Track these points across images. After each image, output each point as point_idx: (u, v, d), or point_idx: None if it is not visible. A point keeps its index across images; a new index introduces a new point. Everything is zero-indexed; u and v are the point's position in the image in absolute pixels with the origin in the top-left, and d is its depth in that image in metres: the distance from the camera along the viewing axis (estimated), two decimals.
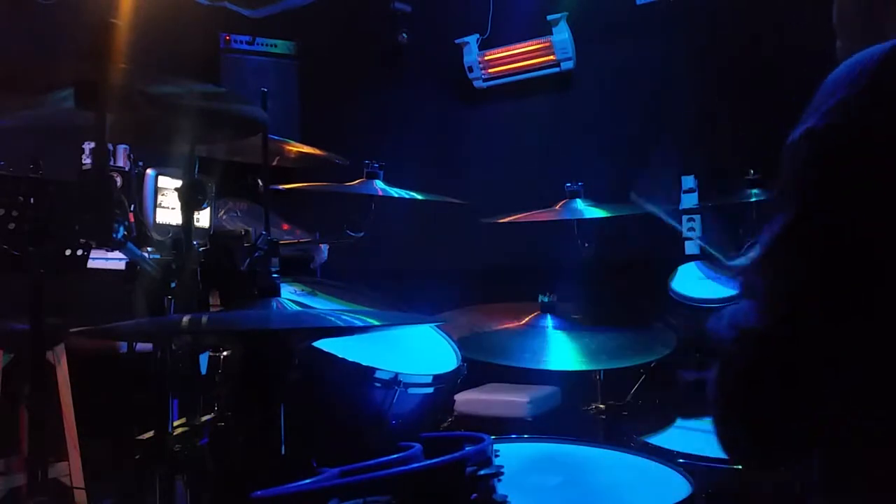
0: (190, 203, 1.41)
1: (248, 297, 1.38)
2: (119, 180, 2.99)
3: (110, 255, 2.54)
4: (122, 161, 3.04)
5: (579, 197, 2.56)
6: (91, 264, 2.41)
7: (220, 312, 1.40)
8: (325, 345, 1.75)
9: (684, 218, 3.26)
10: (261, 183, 1.72)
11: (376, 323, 1.39)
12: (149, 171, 3.03)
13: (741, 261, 1.51)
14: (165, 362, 1.39)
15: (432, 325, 2.22)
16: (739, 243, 2.73)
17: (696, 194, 3.21)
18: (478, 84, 3.87)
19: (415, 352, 2.12)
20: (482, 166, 3.84)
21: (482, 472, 1.06)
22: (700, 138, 3.29)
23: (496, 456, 1.15)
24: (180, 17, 3.83)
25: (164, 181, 3.04)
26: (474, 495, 1.04)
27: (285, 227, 3.38)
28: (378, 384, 1.82)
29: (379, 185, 2.43)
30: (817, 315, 0.83)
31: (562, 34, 3.57)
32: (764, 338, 0.86)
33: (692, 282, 2.69)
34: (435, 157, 3.93)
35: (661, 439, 2.00)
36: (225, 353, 1.48)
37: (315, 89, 4.16)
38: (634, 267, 3.14)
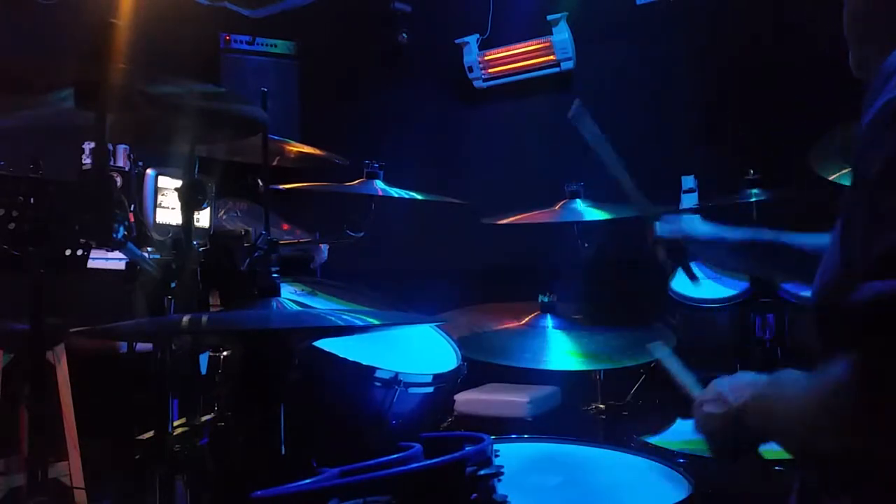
0: (190, 203, 1.41)
1: (248, 297, 1.38)
2: (119, 180, 2.99)
3: (110, 255, 2.54)
4: (122, 161, 3.04)
5: (579, 197, 2.56)
6: (91, 264, 2.41)
7: (219, 312, 1.40)
8: (325, 345, 1.75)
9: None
10: (261, 183, 1.72)
11: (376, 322, 1.39)
12: (149, 171, 3.02)
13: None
14: (165, 362, 1.39)
15: (432, 325, 2.22)
16: None
17: (696, 194, 3.21)
18: (478, 84, 3.87)
19: (415, 351, 2.12)
20: (482, 166, 3.84)
21: (482, 472, 1.06)
22: (700, 138, 3.29)
23: (496, 456, 1.15)
24: (180, 17, 3.82)
25: (164, 181, 3.04)
26: (474, 495, 1.04)
27: (285, 227, 3.38)
28: (378, 384, 1.82)
29: (379, 185, 2.43)
30: None
31: (562, 34, 3.57)
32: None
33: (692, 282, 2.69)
34: (435, 157, 3.93)
35: (660, 439, 2.00)
36: (225, 353, 1.48)
37: (315, 89, 4.16)
38: (634, 267, 3.14)
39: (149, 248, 2.42)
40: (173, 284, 1.35)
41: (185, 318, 1.26)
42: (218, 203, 3.16)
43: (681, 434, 2.01)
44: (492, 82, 3.85)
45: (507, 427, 2.69)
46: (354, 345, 1.85)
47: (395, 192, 2.44)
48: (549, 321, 2.26)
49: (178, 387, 1.39)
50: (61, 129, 1.62)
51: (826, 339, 0.98)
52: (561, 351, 2.14)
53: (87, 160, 2.90)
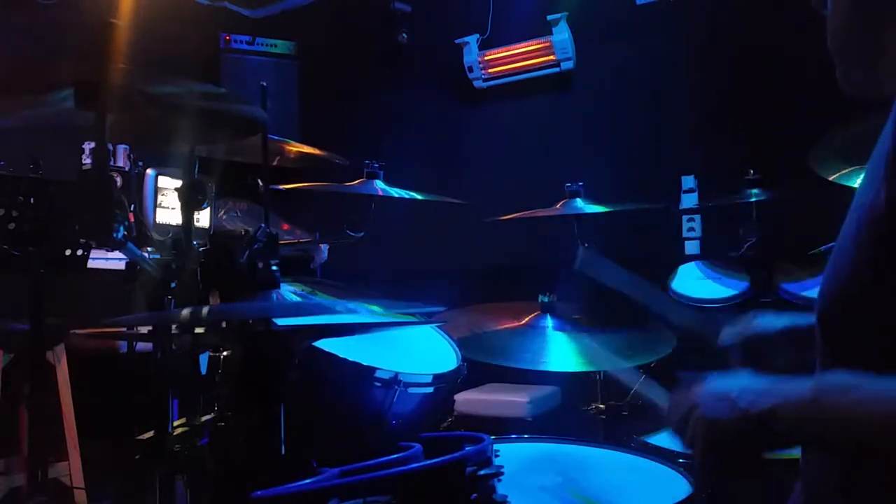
0: (190, 203, 1.41)
1: (248, 294, 1.38)
2: (119, 180, 2.99)
3: (110, 255, 2.54)
4: (122, 161, 3.04)
5: (579, 197, 2.56)
6: (91, 264, 2.41)
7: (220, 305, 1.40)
8: (325, 345, 1.75)
9: (684, 218, 3.27)
10: (261, 183, 1.72)
11: (376, 321, 1.39)
12: (149, 171, 3.03)
13: None
14: (165, 362, 1.39)
15: (432, 325, 2.22)
16: (739, 243, 2.74)
17: (696, 194, 3.21)
18: (478, 84, 3.87)
19: (415, 351, 2.12)
20: (482, 166, 3.84)
21: (482, 472, 1.06)
22: (700, 138, 3.29)
23: (496, 456, 1.15)
24: (180, 17, 3.82)
25: (164, 181, 3.04)
26: (474, 495, 1.04)
27: (285, 227, 3.38)
28: (378, 384, 1.82)
29: (379, 185, 2.43)
30: None
31: (562, 34, 3.57)
32: None
33: (692, 282, 2.69)
34: (435, 157, 3.93)
35: (661, 439, 2.00)
36: (225, 353, 1.48)
37: (315, 89, 4.16)
38: (634, 267, 3.14)
39: (149, 248, 2.43)
40: (173, 284, 1.35)
41: (186, 311, 1.26)
42: (218, 203, 3.16)
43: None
44: (492, 82, 3.85)
45: (507, 427, 2.69)
46: (354, 345, 1.85)
47: (395, 192, 2.44)
48: (548, 321, 2.26)
49: (178, 387, 1.39)
50: (61, 129, 1.62)
51: (841, 343, 0.97)
52: (561, 351, 2.14)
53: (87, 160, 2.90)
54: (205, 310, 1.26)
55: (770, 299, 2.57)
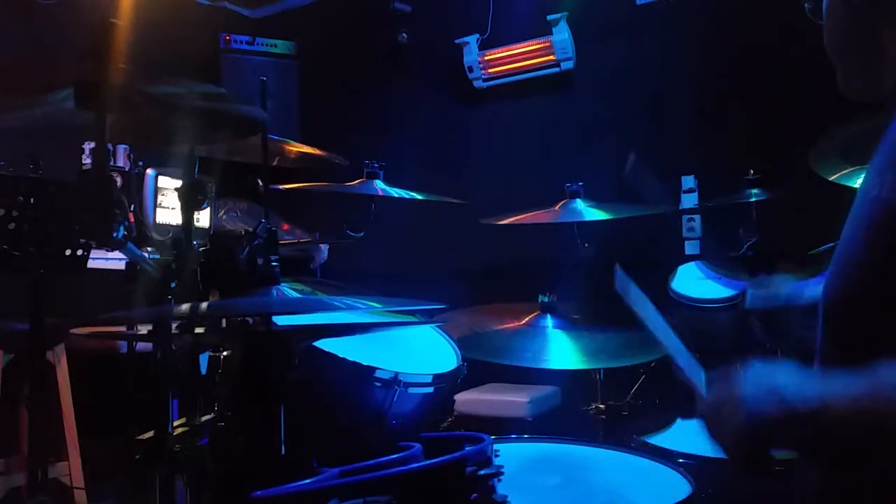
0: (190, 203, 1.41)
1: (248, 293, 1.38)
2: (119, 180, 2.99)
3: (110, 255, 2.54)
4: (122, 161, 3.04)
5: (579, 197, 2.56)
6: (91, 264, 2.41)
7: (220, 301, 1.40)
8: (325, 345, 1.75)
9: (684, 218, 3.27)
10: (261, 183, 1.72)
11: (376, 321, 1.39)
12: (149, 171, 3.03)
13: None
14: (165, 362, 1.39)
15: (432, 325, 2.22)
16: (739, 243, 2.74)
17: (696, 194, 3.21)
18: (478, 84, 3.87)
19: (415, 351, 2.12)
20: (482, 166, 3.84)
21: (482, 472, 1.06)
22: (700, 138, 3.29)
23: (496, 456, 1.15)
24: (180, 17, 3.82)
25: (164, 181, 3.04)
26: (474, 495, 1.04)
27: (285, 227, 3.38)
28: (378, 384, 1.82)
29: (379, 185, 2.43)
30: None
31: (562, 34, 3.57)
32: None
33: (692, 282, 2.69)
34: (435, 157, 3.93)
35: (661, 439, 2.00)
36: (225, 353, 1.48)
37: (315, 89, 4.16)
38: (634, 267, 3.13)
39: (149, 248, 2.43)
40: (173, 284, 1.35)
41: (185, 307, 1.26)
42: (218, 203, 3.16)
43: (682, 434, 2.02)
44: (492, 82, 3.85)
45: (507, 427, 2.69)
46: (354, 345, 1.85)
47: (395, 192, 2.44)
48: (549, 321, 2.26)
49: (178, 387, 1.39)
50: (61, 129, 1.62)
51: (847, 339, 0.96)
52: (561, 350, 2.14)
53: (87, 160, 2.90)
54: (203, 305, 1.26)
55: None
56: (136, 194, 3.01)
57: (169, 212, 3.06)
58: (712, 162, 3.19)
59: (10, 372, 2.50)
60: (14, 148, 2.49)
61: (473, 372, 2.17)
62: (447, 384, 2.04)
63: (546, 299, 2.29)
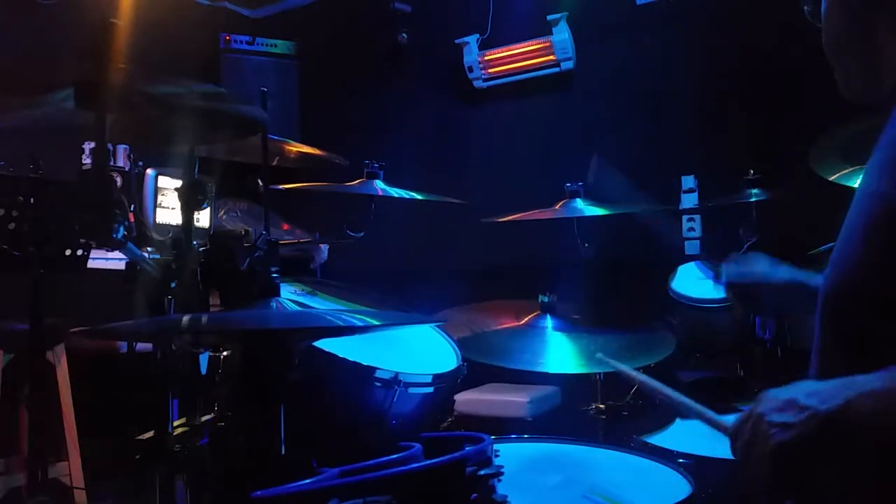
0: (190, 203, 1.41)
1: (248, 298, 1.38)
2: (119, 180, 2.99)
3: (110, 255, 2.54)
4: (122, 161, 3.05)
5: (579, 197, 2.56)
6: (91, 264, 2.41)
7: (220, 312, 1.40)
8: (325, 345, 1.75)
9: (684, 218, 3.27)
10: (261, 183, 1.72)
11: (376, 323, 1.39)
12: (149, 171, 3.03)
13: None
14: (165, 362, 1.39)
15: (432, 325, 2.22)
16: (739, 243, 2.74)
17: (696, 194, 3.21)
18: (478, 84, 3.87)
19: (415, 351, 2.12)
20: (482, 166, 3.84)
21: (482, 472, 1.06)
22: (700, 138, 3.29)
23: (496, 456, 1.15)
24: (180, 17, 3.83)
25: (164, 181, 3.04)
26: (474, 495, 1.04)
27: (285, 227, 3.38)
28: (378, 384, 1.82)
29: (379, 185, 2.43)
30: None
31: (562, 34, 3.57)
32: None
33: (692, 282, 2.69)
34: (435, 157, 3.93)
35: (661, 439, 2.00)
36: (225, 353, 1.48)
37: (315, 89, 4.16)
38: (634, 267, 3.14)
39: (149, 248, 2.43)
40: (173, 284, 1.35)
41: (186, 318, 1.26)
42: (218, 203, 3.17)
43: (682, 434, 2.02)
44: (492, 82, 3.85)
45: (507, 427, 2.69)
46: (354, 345, 1.85)
47: (395, 192, 2.44)
48: (548, 321, 2.26)
49: (178, 387, 1.39)
50: (61, 129, 1.62)
51: (847, 335, 0.96)
52: (560, 352, 2.14)
53: (87, 160, 2.91)
54: (204, 318, 1.26)
55: None
56: (136, 194, 3.01)
57: (169, 212, 3.06)
58: (712, 162, 3.19)
59: (10, 372, 2.50)
60: (14, 148, 2.49)
61: (473, 372, 2.16)
62: (447, 384, 2.04)
63: (546, 299, 2.29)
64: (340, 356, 1.77)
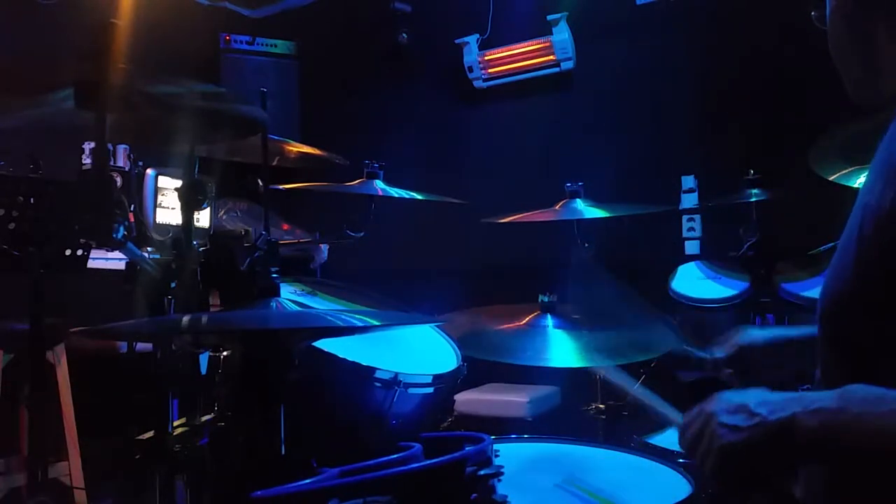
0: (190, 203, 1.41)
1: (248, 298, 1.38)
2: (119, 180, 3.00)
3: (110, 255, 2.54)
4: (122, 161, 3.05)
5: (579, 197, 2.56)
6: (91, 264, 2.41)
7: (220, 312, 1.40)
8: (325, 345, 1.75)
9: (684, 218, 3.27)
10: (261, 183, 1.72)
11: (376, 323, 1.39)
12: (149, 171, 3.03)
13: None
14: (165, 362, 1.39)
15: (432, 325, 2.22)
16: (739, 243, 2.74)
17: (696, 194, 3.21)
18: (478, 84, 3.87)
19: (415, 352, 2.12)
20: (482, 166, 3.84)
21: (482, 472, 1.06)
22: (700, 138, 3.29)
23: (496, 456, 1.15)
24: (180, 17, 3.82)
25: (164, 181, 3.04)
26: (474, 495, 1.04)
27: (285, 227, 3.38)
28: (378, 384, 1.82)
29: (379, 185, 2.43)
30: None
31: (562, 34, 3.57)
32: None
33: (692, 282, 2.69)
34: (435, 157, 3.93)
35: (661, 439, 2.00)
36: (225, 353, 1.48)
37: (315, 89, 4.16)
38: (634, 267, 3.14)
39: (149, 248, 2.43)
40: (173, 284, 1.35)
41: (185, 318, 1.26)
42: (218, 203, 3.17)
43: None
44: (492, 82, 3.85)
45: (507, 427, 2.69)
46: (354, 345, 1.85)
47: (395, 192, 2.44)
48: (549, 321, 2.26)
49: (178, 387, 1.39)
50: (61, 129, 1.62)
51: (845, 344, 0.97)
52: (561, 349, 2.14)
53: (87, 160, 2.90)
54: (204, 318, 1.26)
55: (770, 299, 2.57)
56: (136, 194, 3.01)
57: (169, 212, 3.06)
58: (712, 162, 3.19)
59: (10, 372, 2.50)
60: (14, 148, 2.49)
61: (473, 372, 2.16)
62: (447, 384, 2.04)
63: (546, 299, 2.29)
64: (340, 356, 1.77)
